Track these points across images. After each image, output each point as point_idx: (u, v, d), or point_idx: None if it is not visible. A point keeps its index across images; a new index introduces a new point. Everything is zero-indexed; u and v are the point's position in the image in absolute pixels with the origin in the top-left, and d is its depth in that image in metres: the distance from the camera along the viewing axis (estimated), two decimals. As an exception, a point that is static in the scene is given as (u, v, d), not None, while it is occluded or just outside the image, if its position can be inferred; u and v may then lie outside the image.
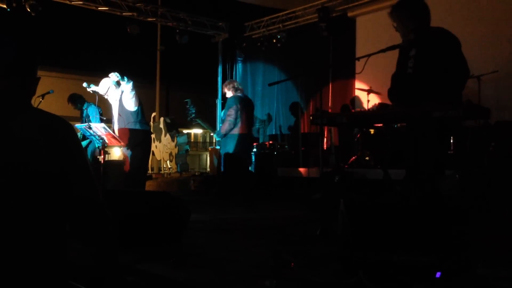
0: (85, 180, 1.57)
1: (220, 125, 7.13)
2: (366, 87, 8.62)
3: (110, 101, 6.02)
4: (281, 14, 11.79)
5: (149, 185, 8.90)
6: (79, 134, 6.08)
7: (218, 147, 8.55)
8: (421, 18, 3.65)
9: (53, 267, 1.49)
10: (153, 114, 13.31)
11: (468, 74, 3.55)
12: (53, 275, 1.49)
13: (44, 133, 1.48)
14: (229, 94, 7.11)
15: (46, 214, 1.47)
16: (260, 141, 10.20)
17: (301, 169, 8.62)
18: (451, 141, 6.75)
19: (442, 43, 3.56)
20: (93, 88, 5.88)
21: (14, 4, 9.10)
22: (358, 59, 4.25)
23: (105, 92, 5.84)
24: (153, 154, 11.76)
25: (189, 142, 20.67)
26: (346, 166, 7.75)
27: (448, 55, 3.50)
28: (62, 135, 1.52)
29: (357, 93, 9.69)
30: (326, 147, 9.36)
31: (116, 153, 11.39)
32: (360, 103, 9.54)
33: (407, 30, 3.68)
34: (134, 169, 5.97)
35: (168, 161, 12.36)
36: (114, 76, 5.74)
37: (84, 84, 5.92)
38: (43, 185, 1.46)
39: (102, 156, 5.45)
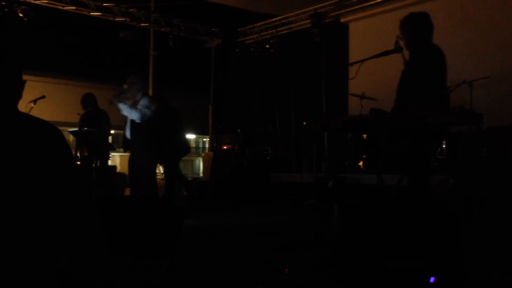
0: (73, 186, 1.55)
1: None
2: (359, 93, 8.64)
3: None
4: (274, 20, 11.82)
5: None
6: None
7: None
8: (420, 35, 3.93)
9: (36, 272, 1.47)
10: (146, 119, 13.23)
11: (439, 102, 3.75)
12: (36, 280, 1.47)
13: (32, 139, 1.46)
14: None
15: (31, 219, 1.45)
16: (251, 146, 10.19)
17: (295, 175, 8.62)
18: (443, 146, 6.80)
19: (427, 64, 3.83)
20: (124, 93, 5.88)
21: (6, 9, 9.06)
22: (351, 64, 4.28)
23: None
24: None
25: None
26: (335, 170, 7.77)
27: (427, 77, 3.78)
28: (50, 141, 1.50)
29: (350, 98, 9.71)
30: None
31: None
32: (353, 108, 9.54)
33: (406, 43, 3.97)
34: (146, 175, 5.89)
35: (161, 167, 12.31)
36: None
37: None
38: (29, 190, 1.44)
39: (95, 162, 5.43)
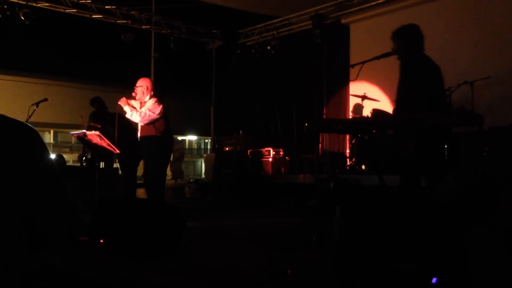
0: (52, 187, 1.53)
1: None
2: (360, 94, 8.65)
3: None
4: (275, 21, 11.83)
5: (144, 193, 8.87)
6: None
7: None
8: (413, 46, 4.13)
9: (21, 269, 1.47)
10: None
11: (440, 105, 3.99)
12: (22, 276, 1.46)
13: (5, 138, 1.46)
14: None
15: (11, 217, 1.44)
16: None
17: (297, 176, 8.63)
18: (445, 146, 6.80)
19: (425, 74, 4.06)
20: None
21: (8, 13, 9.09)
22: (353, 66, 4.31)
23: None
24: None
25: (183, 149, 20.64)
26: (337, 171, 7.77)
27: (427, 87, 4.00)
28: (25, 141, 1.49)
29: (352, 99, 9.72)
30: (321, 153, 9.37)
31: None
32: (358, 109, 9.55)
33: (400, 54, 4.18)
34: (155, 177, 5.87)
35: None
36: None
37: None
38: (5, 188, 1.43)
39: (97, 164, 5.44)
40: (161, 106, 5.73)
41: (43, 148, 1.54)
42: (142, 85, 5.74)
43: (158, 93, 5.87)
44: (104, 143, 5.43)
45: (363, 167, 7.90)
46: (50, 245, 1.59)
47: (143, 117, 5.64)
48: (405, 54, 4.11)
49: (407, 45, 4.09)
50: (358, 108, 8.77)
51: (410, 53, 4.09)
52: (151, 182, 5.88)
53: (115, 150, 5.66)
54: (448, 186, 4.83)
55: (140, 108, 5.73)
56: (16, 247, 1.47)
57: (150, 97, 5.74)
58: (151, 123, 5.68)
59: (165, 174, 6.28)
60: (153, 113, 5.65)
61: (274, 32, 11.83)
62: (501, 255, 3.38)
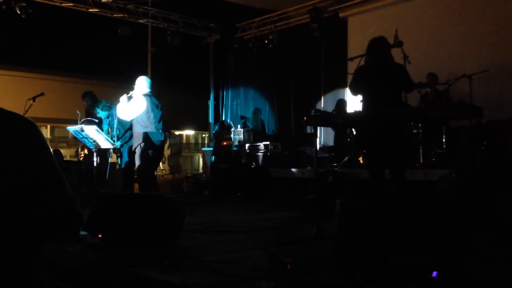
0: (52, 180, 1.51)
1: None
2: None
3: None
4: (272, 15, 11.79)
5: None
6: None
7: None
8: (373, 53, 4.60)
9: (27, 266, 1.45)
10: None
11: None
12: (28, 274, 1.45)
13: (4, 132, 1.44)
14: None
15: (15, 211, 1.42)
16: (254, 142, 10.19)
17: (295, 170, 8.62)
18: (443, 140, 6.82)
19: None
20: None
21: (3, 7, 9.03)
22: (351, 59, 4.29)
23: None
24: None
25: (181, 144, 20.61)
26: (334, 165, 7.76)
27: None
28: (24, 134, 1.48)
29: (350, 93, 9.70)
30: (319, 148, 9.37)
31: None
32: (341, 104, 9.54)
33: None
34: (140, 171, 6.16)
35: (160, 163, 12.32)
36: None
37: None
38: (7, 186, 1.41)
39: (95, 159, 5.41)
40: (145, 102, 6.01)
41: (42, 141, 1.52)
42: (137, 83, 6.18)
43: (149, 90, 6.13)
44: (101, 137, 5.41)
45: (361, 160, 7.90)
46: (51, 240, 1.58)
47: (125, 113, 6.02)
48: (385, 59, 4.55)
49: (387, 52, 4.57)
50: (342, 103, 8.82)
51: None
52: (139, 176, 6.25)
53: (113, 145, 5.65)
54: (448, 179, 4.83)
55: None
56: (18, 242, 1.45)
57: (144, 94, 6.09)
58: (136, 118, 6.02)
59: (154, 169, 6.52)
60: (134, 109, 5.97)
61: (272, 26, 11.79)
62: (501, 248, 3.38)
